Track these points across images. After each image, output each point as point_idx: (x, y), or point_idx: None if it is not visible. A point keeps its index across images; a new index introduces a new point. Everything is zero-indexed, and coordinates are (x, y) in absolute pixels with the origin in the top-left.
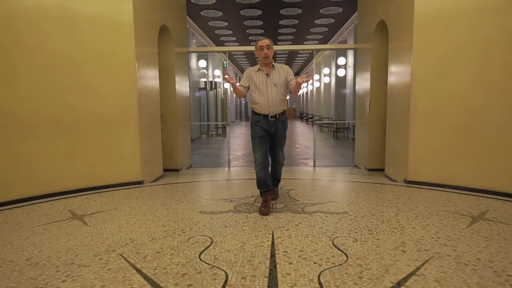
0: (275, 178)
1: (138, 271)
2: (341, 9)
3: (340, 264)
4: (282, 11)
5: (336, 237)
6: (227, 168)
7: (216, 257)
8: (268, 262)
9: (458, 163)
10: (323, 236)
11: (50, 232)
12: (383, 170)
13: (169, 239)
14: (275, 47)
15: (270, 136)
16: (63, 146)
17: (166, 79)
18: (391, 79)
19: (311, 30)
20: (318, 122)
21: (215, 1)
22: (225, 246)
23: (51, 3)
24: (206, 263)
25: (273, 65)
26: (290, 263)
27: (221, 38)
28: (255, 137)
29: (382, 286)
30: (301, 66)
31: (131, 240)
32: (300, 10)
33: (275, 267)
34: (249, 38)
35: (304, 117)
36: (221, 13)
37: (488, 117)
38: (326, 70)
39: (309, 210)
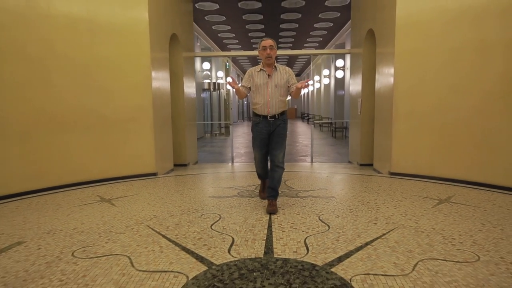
0: (272, 187)
1: (163, 236)
2: (339, 14)
3: (323, 232)
4: (283, 16)
5: (322, 214)
6: (230, 164)
7: (224, 227)
8: (265, 230)
9: (433, 157)
10: (311, 213)
11: (86, 211)
12: (373, 164)
13: (185, 216)
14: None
15: (269, 136)
16: (90, 141)
17: (175, 82)
18: (378, 82)
19: (310, 33)
20: (316, 121)
21: (218, 6)
22: (231, 220)
23: (80, 17)
24: (217, 231)
25: (275, 66)
26: (283, 231)
27: (224, 41)
28: (256, 139)
29: (353, 245)
30: (302, 67)
31: (154, 216)
32: (300, 15)
33: (271, 233)
34: (251, 41)
35: (305, 117)
36: (224, 18)
37: (458, 116)
38: (325, 72)
39: (302, 195)
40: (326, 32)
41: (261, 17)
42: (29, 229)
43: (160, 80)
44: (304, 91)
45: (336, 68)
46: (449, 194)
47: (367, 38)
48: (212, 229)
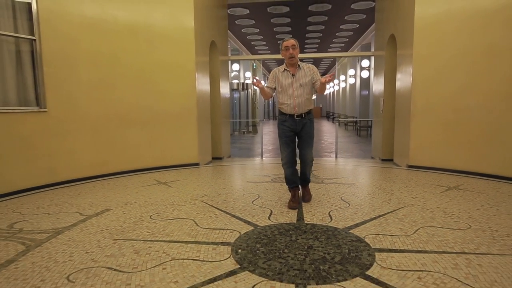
0: (304, 179)
1: (216, 208)
2: (365, 16)
3: (344, 208)
4: (309, 19)
5: (344, 196)
6: (260, 158)
7: (263, 203)
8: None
9: (448, 151)
10: (335, 195)
11: (149, 190)
12: (393, 159)
13: (229, 195)
14: (301, 55)
15: (297, 135)
16: (145, 135)
17: (212, 83)
18: (398, 82)
19: (336, 34)
20: (340, 120)
21: (248, 11)
22: (268, 198)
23: (139, 29)
24: (257, 205)
25: (298, 65)
26: (311, 206)
27: (252, 43)
28: (282, 137)
29: (368, 217)
30: (327, 67)
31: (205, 195)
32: (326, 17)
33: (301, 207)
34: (278, 42)
35: (330, 116)
36: (253, 21)
37: (471, 115)
38: (351, 71)
39: (326, 182)
40: (352, 33)
41: (288, 20)
42: (111, 201)
43: (202, 82)
44: (329, 87)
45: (362, 68)
46: (458, 183)
47: (389, 42)
48: (253, 204)
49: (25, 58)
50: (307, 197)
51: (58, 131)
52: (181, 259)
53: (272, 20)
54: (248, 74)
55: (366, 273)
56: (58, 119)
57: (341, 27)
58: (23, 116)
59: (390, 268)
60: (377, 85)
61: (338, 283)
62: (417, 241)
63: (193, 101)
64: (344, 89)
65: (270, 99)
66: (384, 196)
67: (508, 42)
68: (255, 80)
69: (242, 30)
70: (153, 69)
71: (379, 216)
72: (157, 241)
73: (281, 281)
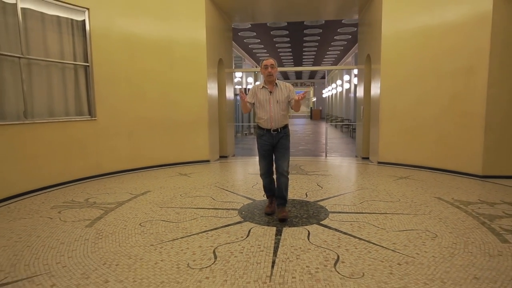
0: (282, 196)
1: (226, 190)
2: (356, 28)
3: (317, 190)
4: (306, 31)
5: (320, 182)
6: None
7: (260, 187)
8: None
9: (407, 150)
10: (313, 182)
11: (174, 179)
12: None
13: (236, 182)
14: (298, 68)
15: (274, 148)
16: (167, 138)
17: (220, 92)
18: (372, 92)
19: (332, 43)
20: (332, 123)
21: (250, 25)
22: None
23: (163, 53)
24: (256, 188)
25: (276, 83)
26: (293, 188)
27: (253, 51)
28: (260, 150)
29: (332, 195)
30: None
31: (217, 182)
32: (321, 30)
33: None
34: (278, 50)
35: (328, 118)
36: (254, 33)
37: (425, 122)
38: (346, 77)
39: (310, 174)
40: (346, 42)
41: (286, 32)
42: (149, 186)
43: (212, 93)
44: (328, 89)
45: (355, 75)
46: (409, 174)
47: (367, 59)
48: (252, 188)
49: (81, 80)
50: (281, 215)
51: (103, 134)
52: (206, 216)
53: (272, 32)
54: (250, 79)
55: (320, 222)
56: (104, 125)
57: (335, 37)
58: (80, 123)
59: (335, 220)
60: (359, 93)
61: (302, 226)
62: (359, 208)
63: (205, 110)
64: (341, 93)
65: (249, 112)
66: (348, 183)
67: (448, 68)
68: (241, 94)
69: (245, 40)
70: (174, 84)
71: (340, 194)
72: (189, 208)
73: (268, 226)
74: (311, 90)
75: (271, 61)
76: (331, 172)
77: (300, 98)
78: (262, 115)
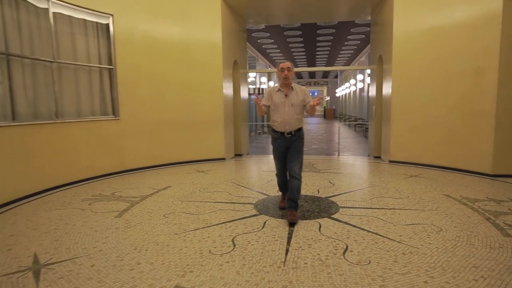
0: (293, 199)
1: (242, 186)
2: (369, 28)
3: (329, 187)
4: (319, 31)
5: (331, 179)
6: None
7: (274, 184)
8: None
9: (417, 149)
10: (325, 179)
11: (193, 175)
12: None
13: (251, 179)
14: (311, 69)
15: (287, 150)
16: (185, 137)
17: (234, 93)
18: (384, 91)
19: (345, 43)
20: (348, 121)
21: (264, 26)
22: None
23: (181, 57)
24: (270, 185)
25: (291, 87)
26: (306, 185)
27: (267, 51)
28: (274, 153)
29: (343, 191)
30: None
31: (233, 178)
32: (334, 30)
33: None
34: (291, 50)
35: (341, 117)
36: (268, 34)
37: (434, 122)
38: (359, 76)
39: (322, 171)
40: (359, 42)
41: (299, 32)
42: (169, 181)
43: (227, 94)
44: (342, 88)
45: (368, 74)
46: (419, 173)
47: (379, 60)
48: (267, 184)
49: (105, 81)
50: (290, 218)
51: (126, 133)
52: (224, 209)
53: (285, 33)
54: (264, 79)
55: (331, 216)
56: (126, 124)
57: (348, 37)
58: (104, 122)
59: (345, 214)
60: (372, 93)
61: (313, 220)
62: (368, 204)
63: (220, 110)
64: (355, 92)
65: (263, 115)
66: (359, 180)
67: (458, 69)
68: (256, 98)
69: (258, 41)
70: (191, 86)
71: (351, 191)
72: (208, 202)
73: (282, 219)
74: (324, 89)
75: (288, 64)
76: (342, 170)
77: (315, 103)
78: (277, 118)
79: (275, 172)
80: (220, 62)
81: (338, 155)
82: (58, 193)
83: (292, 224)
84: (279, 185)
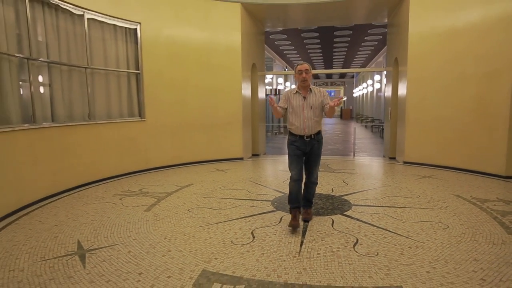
0: (308, 199)
1: (260, 184)
2: (386, 29)
3: (343, 186)
4: (336, 33)
5: (345, 179)
6: None
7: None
8: None
9: (431, 150)
10: (339, 179)
11: (213, 174)
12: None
13: (268, 178)
14: (327, 71)
15: (305, 155)
16: (205, 137)
17: (252, 95)
18: (399, 93)
19: (362, 43)
20: (364, 122)
21: (281, 29)
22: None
23: (202, 62)
24: (286, 184)
25: (310, 89)
26: (321, 184)
27: (284, 52)
28: (291, 155)
29: (356, 190)
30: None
31: (251, 177)
32: (351, 31)
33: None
34: (308, 51)
35: (358, 118)
36: (285, 36)
37: (448, 124)
38: (377, 77)
39: (336, 171)
40: (377, 42)
41: (316, 34)
42: (191, 179)
43: (245, 95)
44: (359, 88)
45: (385, 76)
46: (432, 174)
47: (395, 62)
48: (283, 183)
49: (133, 85)
50: (304, 216)
51: (151, 134)
52: (243, 205)
53: (302, 35)
54: (280, 80)
55: (344, 213)
56: (151, 125)
57: (365, 38)
58: (132, 124)
59: (357, 212)
60: (387, 95)
61: (327, 216)
62: (380, 203)
63: (239, 112)
64: (372, 92)
65: (281, 117)
66: (373, 180)
67: (473, 71)
68: (269, 99)
69: (276, 43)
70: (211, 90)
71: (364, 190)
72: (228, 198)
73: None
74: (341, 89)
75: (306, 66)
76: (357, 171)
77: (335, 104)
78: (295, 121)
79: (291, 179)
80: (239, 66)
81: (354, 155)
82: (90, 188)
83: (306, 221)
84: (291, 196)
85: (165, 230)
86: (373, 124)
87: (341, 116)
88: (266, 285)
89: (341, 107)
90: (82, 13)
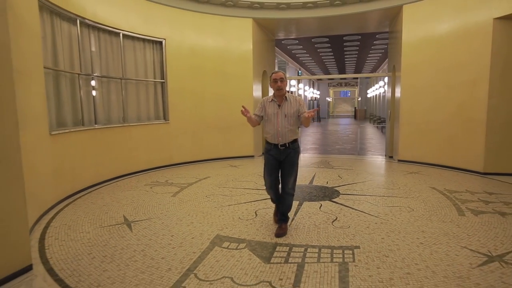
0: (283, 213)
1: None
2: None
3: (337, 179)
4: (345, 38)
5: (340, 174)
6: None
7: None
8: (312, 176)
9: (421, 150)
10: (335, 174)
11: (227, 169)
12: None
13: None
14: (331, 76)
15: (280, 164)
16: (221, 137)
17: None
18: (396, 97)
19: (372, 47)
20: (376, 123)
21: (294, 36)
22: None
23: (217, 70)
24: None
25: (285, 97)
26: (318, 178)
27: (297, 55)
28: (266, 164)
29: (347, 183)
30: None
31: (259, 172)
32: (360, 36)
33: (313, 178)
34: (320, 55)
35: (371, 119)
36: (297, 41)
37: (436, 126)
38: (386, 79)
39: (335, 168)
40: (386, 46)
41: (327, 39)
42: (208, 173)
43: (256, 100)
44: (373, 89)
45: None
46: (419, 170)
47: (394, 69)
48: None
49: (158, 92)
50: (277, 231)
51: (174, 134)
52: (250, 193)
53: (313, 40)
54: (293, 82)
55: (332, 199)
56: (174, 127)
57: (374, 42)
58: (158, 125)
59: (343, 199)
60: (388, 98)
61: (317, 201)
62: (365, 192)
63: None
64: (382, 94)
65: (257, 125)
66: (366, 175)
67: (457, 80)
68: (243, 110)
69: (288, 47)
70: (226, 95)
71: (354, 183)
72: (238, 188)
73: (294, 200)
74: (356, 90)
75: (280, 74)
76: (353, 167)
77: (309, 115)
78: (269, 129)
79: (265, 188)
80: (250, 74)
81: (358, 154)
82: (124, 180)
83: (279, 236)
84: (272, 200)
85: (188, 209)
86: (383, 125)
87: (355, 117)
88: (262, 244)
89: (355, 107)
90: (118, 31)
